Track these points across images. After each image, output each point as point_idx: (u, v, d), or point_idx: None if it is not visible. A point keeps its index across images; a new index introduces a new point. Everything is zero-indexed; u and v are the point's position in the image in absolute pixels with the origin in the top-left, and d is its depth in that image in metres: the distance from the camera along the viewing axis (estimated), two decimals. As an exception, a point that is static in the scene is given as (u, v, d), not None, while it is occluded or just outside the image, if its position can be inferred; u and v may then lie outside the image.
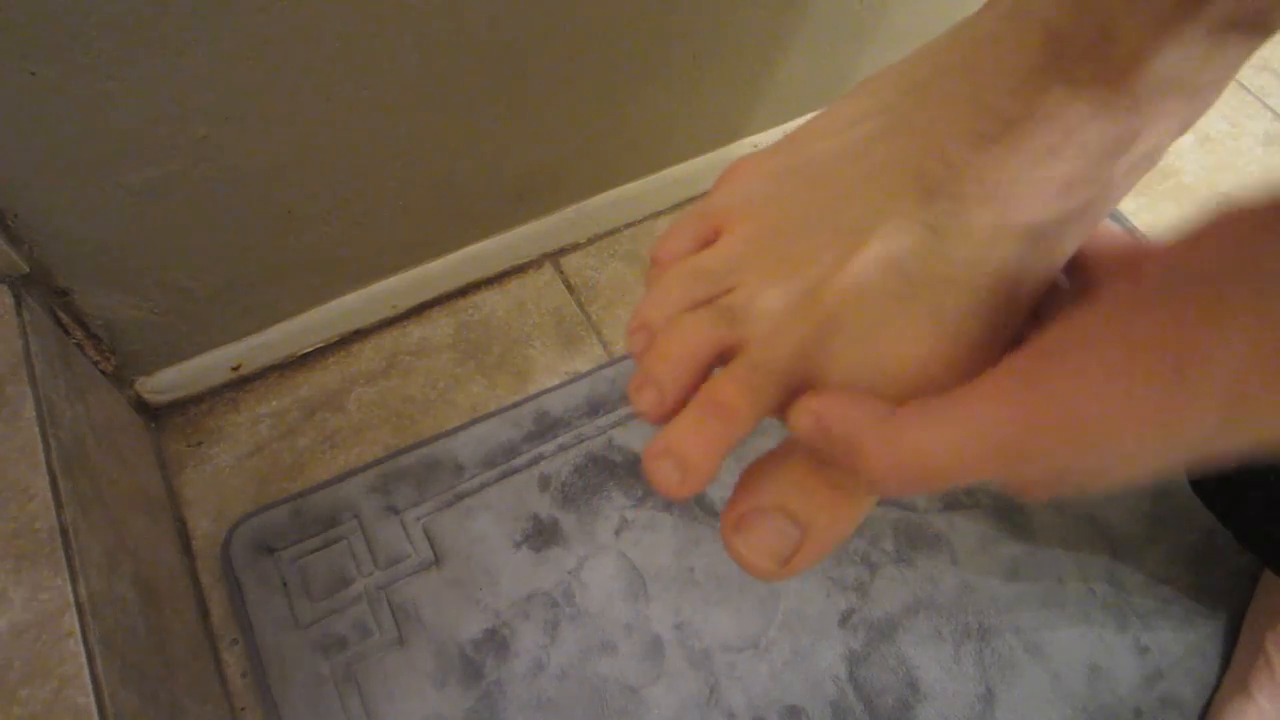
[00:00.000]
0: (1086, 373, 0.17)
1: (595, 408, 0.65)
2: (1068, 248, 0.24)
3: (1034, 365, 0.18)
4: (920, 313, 0.23)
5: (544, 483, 0.62)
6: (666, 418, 0.23)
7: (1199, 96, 0.23)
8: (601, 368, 0.67)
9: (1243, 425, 0.16)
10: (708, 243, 0.26)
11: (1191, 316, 0.16)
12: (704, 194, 0.28)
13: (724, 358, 0.24)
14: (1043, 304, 0.24)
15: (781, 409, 0.23)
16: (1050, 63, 0.22)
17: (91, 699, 0.37)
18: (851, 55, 0.73)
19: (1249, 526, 0.54)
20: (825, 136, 0.26)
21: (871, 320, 0.23)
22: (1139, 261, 0.22)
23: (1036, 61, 0.22)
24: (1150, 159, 0.24)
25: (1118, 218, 0.78)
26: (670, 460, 0.22)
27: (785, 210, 0.25)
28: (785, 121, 0.76)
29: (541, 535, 0.60)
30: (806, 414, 0.21)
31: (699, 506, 0.61)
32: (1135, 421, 0.17)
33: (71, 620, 0.38)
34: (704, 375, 0.24)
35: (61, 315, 0.53)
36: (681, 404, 0.23)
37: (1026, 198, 0.22)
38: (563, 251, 0.74)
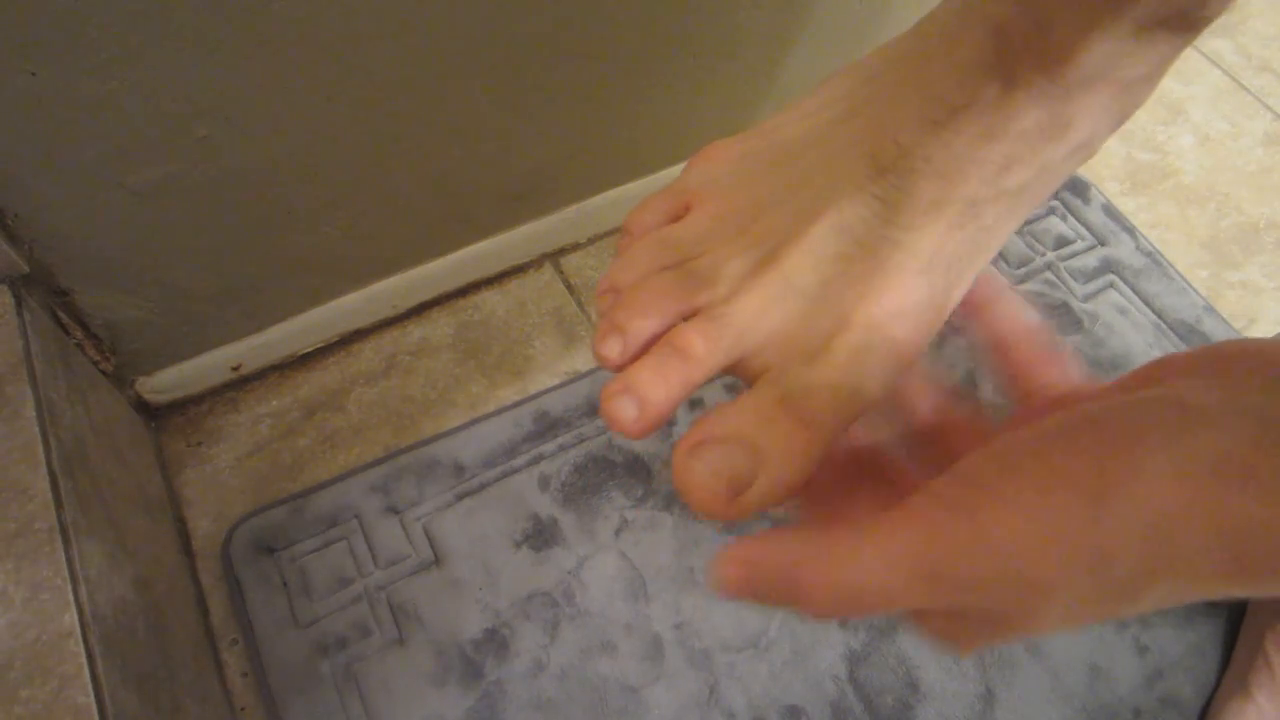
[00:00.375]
0: (1010, 501, 0.17)
1: (595, 408, 0.65)
2: (1004, 229, 0.26)
3: (960, 493, 0.18)
4: (865, 267, 0.25)
5: (544, 483, 0.62)
6: (627, 365, 0.25)
7: (1131, 90, 0.25)
8: (601, 368, 0.67)
9: (1168, 565, 0.16)
10: (677, 218, 0.28)
11: (1110, 449, 0.17)
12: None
13: (686, 319, 0.25)
14: (970, 427, 0.25)
15: (737, 365, 0.25)
16: (994, 55, 0.24)
17: (91, 699, 0.37)
18: (851, 55, 0.73)
19: None
20: (790, 124, 0.29)
21: (821, 276, 0.25)
22: (1075, 395, 0.23)
23: (982, 54, 0.25)
24: (1087, 148, 0.26)
25: (1116, 217, 0.78)
26: (629, 397, 0.23)
27: (750, 189, 0.27)
28: (785, 121, 0.76)
29: (541, 535, 0.60)
30: (733, 564, 0.21)
31: (699, 506, 0.61)
32: (1058, 551, 0.17)
33: (71, 620, 0.38)
34: (664, 330, 0.25)
35: (61, 315, 0.53)
36: (642, 353, 0.25)
37: (967, 175, 0.25)
38: (563, 251, 0.74)
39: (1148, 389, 0.19)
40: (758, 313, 0.25)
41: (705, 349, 0.24)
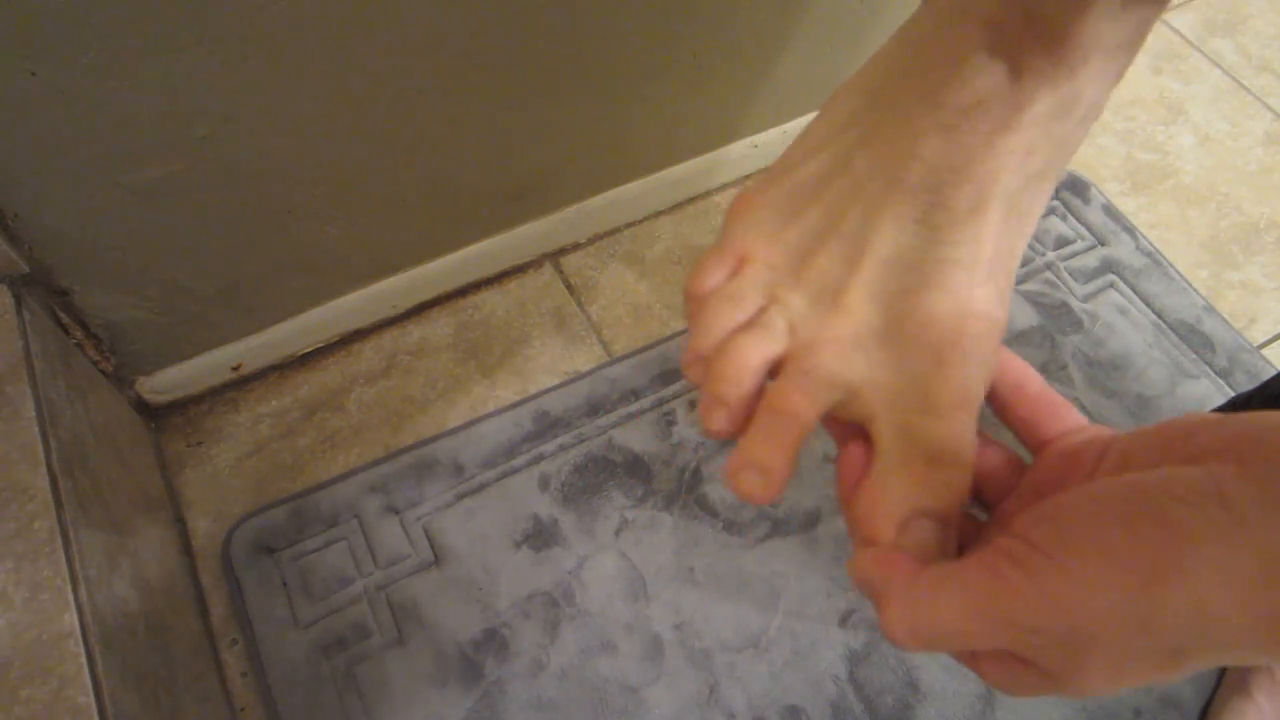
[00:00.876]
0: (1071, 572, 0.19)
1: (595, 407, 0.65)
2: (1038, 209, 0.27)
3: (1026, 553, 0.20)
4: (933, 296, 0.25)
5: (544, 483, 0.62)
6: (736, 433, 0.26)
7: (1126, 47, 0.25)
8: (601, 367, 0.67)
9: (1211, 644, 0.18)
10: (734, 274, 0.29)
11: (1163, 540, 0.18)
12: (719, 230, 0.31)
13: (773, 371, 0.27)
14: (1009, 480, 0.27)
15: (835, 409, 0.26)
16: (990, 50, 0.25)
17: (91, 699, 0.37)
18: (851, 55, 0.73)
19: None
20: (809, 157, 0.29)
21: (891, 314, 0.26)
22: (1100, 450, 0.24)
23: (979, 51, 0.25)
24: (1095, 111, 0.27)
25: (1116, 217, 0.78)
26: (753, 470, 0.25)
27: (793, 232, 0.28)
28: (785, 121, 0.76)
29: (541, 535, 0.60)
30: (856, 569, 0.24)
31: (699, 506, 0.61)
32: (1112, 619, 0.18)
33: (71, 620, 0.38)
34: (760, 388, 0.26)
35: (61, 315, 0.53)
36: (746, 417, 0.26)
37: (995, 172, 0.25)
38: (563, 251, 0.74)
39: (1183, 468, 0.20)
40: (840, 359, 0.26)
41: (805, 404, 0.26)
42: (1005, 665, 0.22)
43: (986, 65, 0.25)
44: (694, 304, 0.29)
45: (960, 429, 0.25)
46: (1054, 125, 0.26)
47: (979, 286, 0.26)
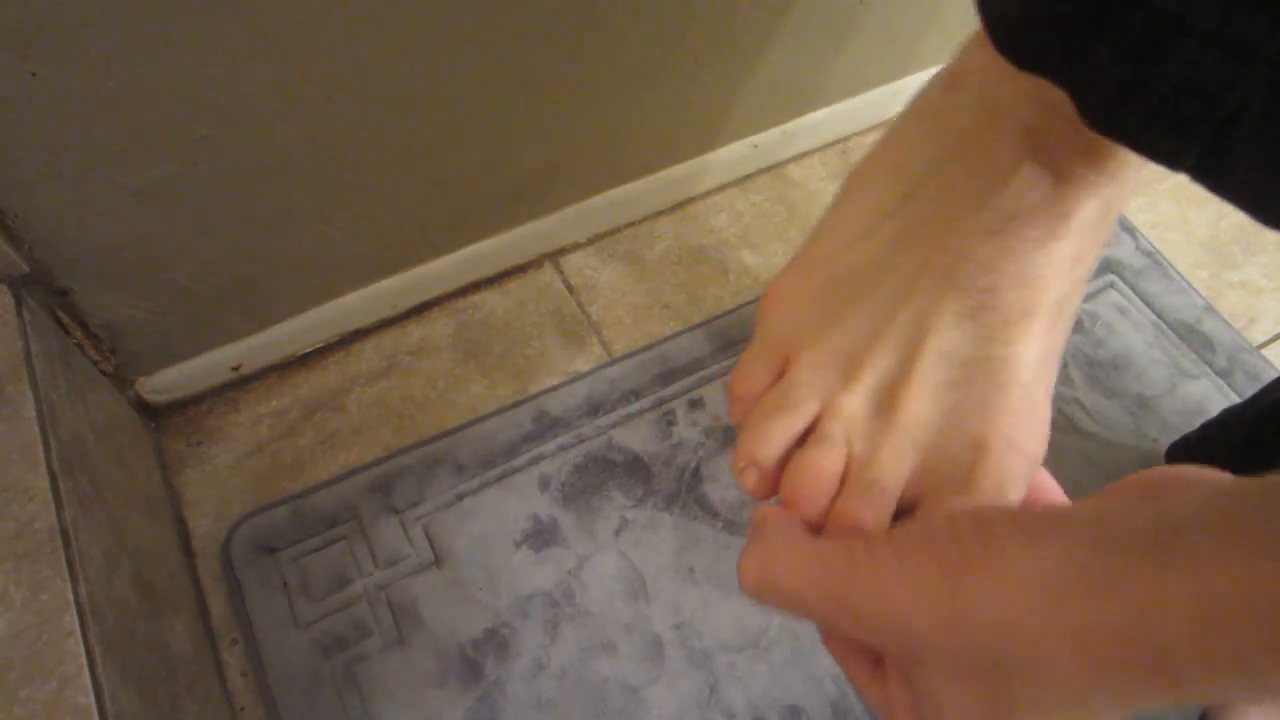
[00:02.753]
0: (900, 569, 0.21)
1: (595, 407, 0.65)
2: (1079, 302, 0.27)
3: (878, 545, 0.22)
4: (982, 389, 0.26)
5: (544, 483, 0.62)
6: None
7: None
8: (601, 367, 0.67)
9: (1020, 649, 0.19)
10: (779, 373, 0.29)
11: (975, 546, 0.20)
12: (753, 327, 0.31)
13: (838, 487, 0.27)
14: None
15: (901, 508, 0.27)
16: (1034, 158, 0.25)
17: (91, 699, 0.37)
18: (852, 55, 0.73)
19: None
20: (847, 248, 0.29)
21: (942, 408, 0.26)
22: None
23: (1023, 159, 0.25)
24: (1126, 204, 0.27)
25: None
26: None
27: (841, 331, 0.28)
28: (785, 121, 0.76)
29: (541, 535, 0.60)
30: (757, 516, 0.27)
31: (699, 506, 0.61)
32: (928, 620, 0.20)
33: (71, 620, 0.38)
34: (832, 498, 0.27)
35: (61, 315, 0.53)
36: (822, 523, 0.27)
37: (1046, 279, 0.26)
38: (563, 251, 0.74)
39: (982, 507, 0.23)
40: (898, 461, 0.26)
41: (875, 520, 0.26)
42: (857, 659, 0.24)
43: (1032, 174, 0.25)
44: (740, 405, 0.29)
45: None
46: (1099, 230, 0.26)
47: (1028, 385, 0.26)
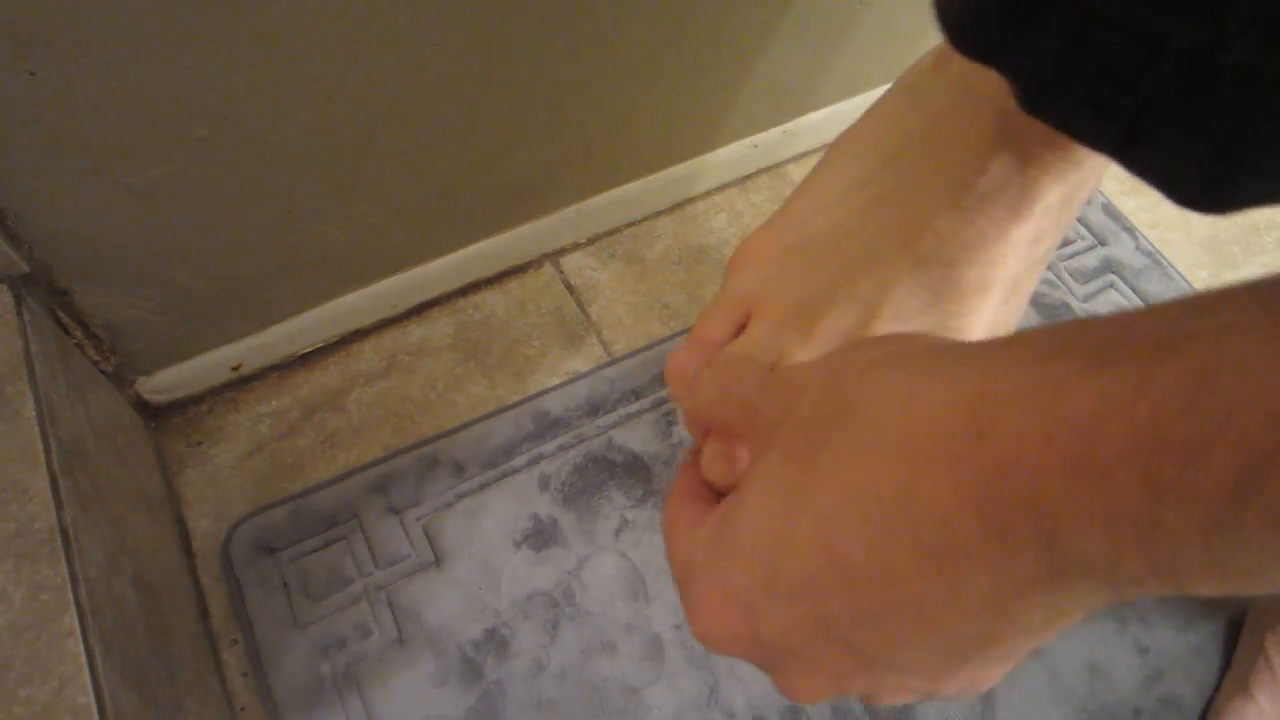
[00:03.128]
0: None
1: (595, 407, 0.65)
2: (1033, 286, 0.28)
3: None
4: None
5: (544, 483, 0.62)
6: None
7: None
8: (601, 367, 0.67)
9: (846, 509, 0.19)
10: (741, 326, 0.29)
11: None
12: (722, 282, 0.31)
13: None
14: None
15: None
16: (1004, 137, 0.26)
17: (91, 699, 0.37)
18: (852, 55, 0.73)
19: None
20: (819, 211, 0.30)
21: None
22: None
23: (992, 137, 0.26)
24: (1092, 193, 0.29)
25: (1116, 217, 0.78)
26: None
27: (803, 288, 0.28)
28: (785, 121, 0.76)
29: (541, 535, 0.60)
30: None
31: (699, 506, 0.61)
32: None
33: (71, 620, 0.38)
34: None
35: (61, 315, 0.53)
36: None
37: (1005, 256, 0.27)
38: (563, 251, 0.74)
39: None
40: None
41: None
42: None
43: (1001, 155, 0.26)
44: (697, 350, 0.29)
45: None
46: (1061, 214, 0.27)
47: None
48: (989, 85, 0.26)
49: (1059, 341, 0.17)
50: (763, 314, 0.29)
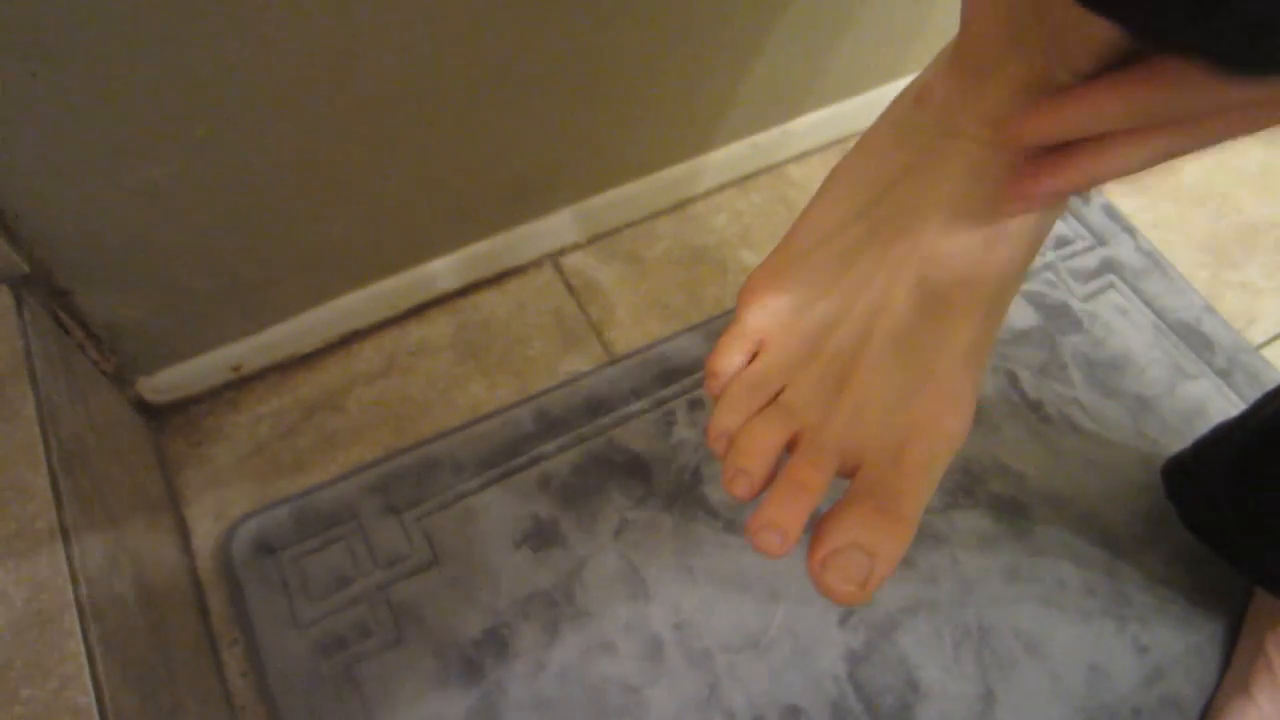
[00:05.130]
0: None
1: (595, 408, 0.65)
2: (1009, 301, 0.32)
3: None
4: (920, 373, 0.30)
5: (544, 483, 0.62)
6: (755, 496, 0.30)
7: None
8: (601, 368, 0.67)
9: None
10: (752, 355, 0.33)
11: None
12: (733, 313, 0.35)
13: (791, 445, 0.31)
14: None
15: (845, 470, 0.31)
16: (981, 172, 0.29)
17: (91, 699, 0.37)
18: (851, 55, 0.73)
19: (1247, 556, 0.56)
20: (821, 244, 0.33)
21: (889, 384, 0.30)
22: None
23: (971, 172, 0.30)
24: (1061, 213, 0.33)
25: (1116, 217, 0.78)
26: (773, 531, 0.29)
27: (807, 316, 0.32)
28: (785, 121, 0.76)
29: (541, 535, 0.60)
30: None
31: (699, 506, 0.61)
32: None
33: (71, 620, 0.38)
34: (778, 460, 0.31)
35: (62, 315, 0.53)
36: (765, 485, 0.30)
37: (987, 277, 0.30)
38: (563, 251, 0.74)
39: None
40: (847, 430, 0.30)
41: (817, 477, 0.30)
42: None
43: (979, 187, 0.29)
44: (714, 381, 0.33)
45: (916, 490, 0.29)
46: (1035, 238, 0.30)
47: (958, 371, 0.30)
48: (968, 123, 0.29)
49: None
50: (771, 344, 0.33)
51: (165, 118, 0.46)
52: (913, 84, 0.33)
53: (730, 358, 0.33)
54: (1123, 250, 0.76)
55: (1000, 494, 0.62)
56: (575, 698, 0.54)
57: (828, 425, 0.30)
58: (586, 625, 0.56)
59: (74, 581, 0.40)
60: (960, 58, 0.30)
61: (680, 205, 0.77)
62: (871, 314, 0.31)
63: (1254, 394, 0.69)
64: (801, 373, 0.32)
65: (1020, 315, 0.71)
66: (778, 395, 0.32)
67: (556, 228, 0.71)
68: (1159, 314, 0.73)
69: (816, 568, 0.29)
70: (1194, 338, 0.71)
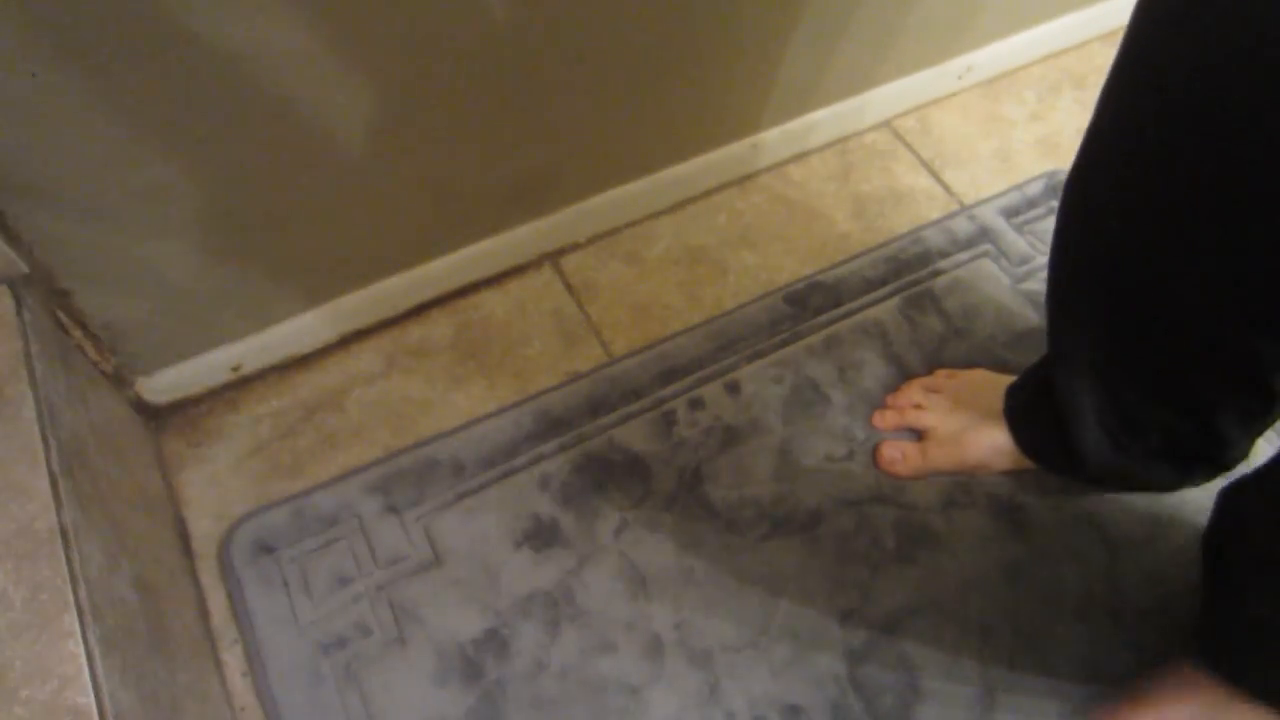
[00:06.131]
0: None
1: (595, 407, 0.65)
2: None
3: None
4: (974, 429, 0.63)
5: (544, 483, 0.62)
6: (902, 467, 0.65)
7: None
8: (601, 368, 0.67)
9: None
10: (918, 404, 0.66)
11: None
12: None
13: (922, 435, 0.65)
14: None
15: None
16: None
17: (91, 699, 0.37)
18: (852, 55, 0.73)
19: None
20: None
21: (958, 428, 0.64)
22: None
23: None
24: None
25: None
26: (904, 464, 0.64)
27: (955, 400, 0.64)
28: (785, 121, 0.76)
29: (541, 535, 0.60)
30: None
31: (699, 506, 0.61)
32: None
33: (71, 620, 0.38)
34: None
35: (61, 315, 0.53)
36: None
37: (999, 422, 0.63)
38: (563, 251, 0.74)
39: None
40: (946, 444, 0.63)
41: (924, 464, 0.64)
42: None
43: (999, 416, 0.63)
44: (893, 402, 0.67)
45: (948, 456, 0.64)
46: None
47: (988, 431, 0.62)
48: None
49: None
50: (930, 401, 0.65)
51: (165, 118, 0.46)
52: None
53: (910, 395, 0.67)
54: (1123, 250, 0.76)
55: (1000, 494, 0.63)
56: (575, 697, 0.54)
57: (938, 436, 0.64)
58: (586, 625, 0.56)
59: (74, 581, 0.40)
60: None
61: (680, 205, 0.77)
62: (981, 417, 0.64)
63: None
64: (937, 418, 0.65)
65: (1021, 315, 0.71)
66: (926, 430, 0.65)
67: (556, 228, 0.71)
68: (1159, 314, 0.72)
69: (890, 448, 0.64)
70: (1194, 337, 0.71)
